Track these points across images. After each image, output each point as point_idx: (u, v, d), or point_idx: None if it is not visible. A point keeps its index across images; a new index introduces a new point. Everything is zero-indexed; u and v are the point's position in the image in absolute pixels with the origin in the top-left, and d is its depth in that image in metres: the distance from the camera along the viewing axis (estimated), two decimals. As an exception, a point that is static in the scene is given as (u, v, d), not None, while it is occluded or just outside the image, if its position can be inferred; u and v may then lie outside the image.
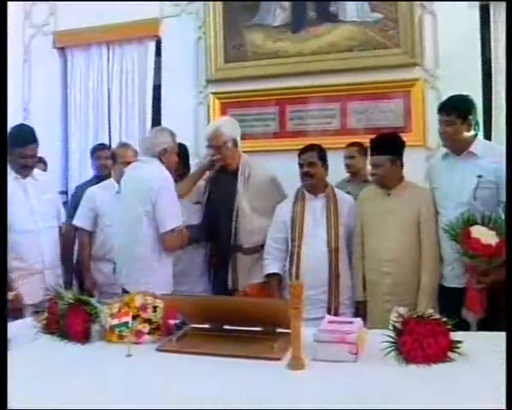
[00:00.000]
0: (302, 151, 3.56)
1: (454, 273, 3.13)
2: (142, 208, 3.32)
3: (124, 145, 4.28)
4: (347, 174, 4.30)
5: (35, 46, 5.58)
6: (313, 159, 3.50)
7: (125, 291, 3.14)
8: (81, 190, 4.30)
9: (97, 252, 3.99)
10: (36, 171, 3.59)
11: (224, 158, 3.72)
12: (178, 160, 3.62)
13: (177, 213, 3.38)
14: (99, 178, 4.31)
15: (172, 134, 3.54)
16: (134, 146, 4.13)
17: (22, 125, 3.61)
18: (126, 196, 3.49)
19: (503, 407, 1.60)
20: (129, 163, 3.81)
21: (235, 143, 3.69)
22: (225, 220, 3.64)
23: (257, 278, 3.56)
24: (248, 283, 3.57)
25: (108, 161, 4.28)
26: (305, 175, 3.50)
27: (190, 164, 4.05)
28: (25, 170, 3.46)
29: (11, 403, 1.71)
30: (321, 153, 3.54)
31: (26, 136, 3.45)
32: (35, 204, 3.42)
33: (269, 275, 3.51)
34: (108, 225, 3.87)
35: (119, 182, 3.79)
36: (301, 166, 3.52)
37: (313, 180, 3.50)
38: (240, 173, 3.65)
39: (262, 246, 3.57)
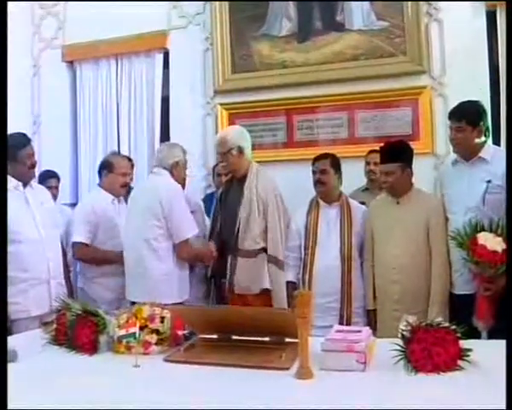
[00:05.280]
0: (316, 159, 3.60)
1: (463, 279, 3.12)
2: (153, 220, 3.43)
3: (118, 154, 4.35)
4: (363, 183, 4.31)
5: (44, 60, 5.62)
6: (326, 166, 3.53)
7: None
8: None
9: (104, 267, 3.84)
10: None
11: (229, 165, 3.75)
12: None
13: (191, 222, 3.53)
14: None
15: (184, 150, 3.71)
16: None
17: (12, 133, 3.32)
18: (137, 207, 3.58)
19: (503, 407, 1.58)
20: (125, 174, 3.95)
21: (240, 150, 3.66)
22: (230, 226, 3.66)
23: (256, 281, 3.55)
24: (246, 285, 3.57)
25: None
26: (317, 182, 3.54)
27: (195, 176, 4.17)
28: (32, 171, 3.46)
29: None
30: (334, 161, 3.57)
31: (22, 139, 3.41)
32: (36, 213, 3.38)
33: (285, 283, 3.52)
34: (111, 236, 3.85)
35: (114, 192, 3.91)
36: (314, 173, 3.55)
37: (325, 188, 3.52)
38: (246, 181, 3.64)
39: (263, 249, 3.55)
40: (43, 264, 3.36)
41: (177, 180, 3.60)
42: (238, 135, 3.75)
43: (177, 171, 3.62)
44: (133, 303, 3.27)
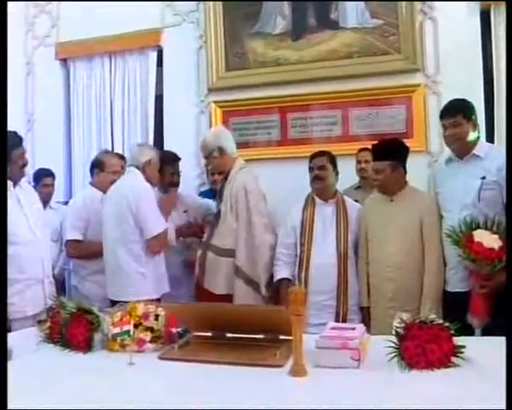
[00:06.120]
0: (313, 156, 3.62)
1: (457, 277, 3.12)
2: (122, 219, 3.50)
3: (109, 152, 4.36)
4: (356, 181, 4.30)
5: (38, 58, 5.60)
6: (324, 163, 3.55)
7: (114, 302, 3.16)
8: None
9: (94, 265, 3.83)
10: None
11: (214, 167, 3.89)
12: (166, 168, 3.89)
13: (160, 219, 3.57)
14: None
15: (155, 149, 3.83)
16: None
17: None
18: (110, 206, 3.62)
19: (497, 403, 1.58)
20: (116, 172, 3.94)
21: (221, 151, 3.68)
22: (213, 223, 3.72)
23: (214, 281, 3.56)
24: (213, 282, 3.57)
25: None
26: (315, 178, 3.55)
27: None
28: (23, 171, 3.41)
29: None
30: (331, 158, 3.60)
31: (15, 138, 3.34)
32: (28, 212, 3.36)
33: (279, 281, 3.51)
34: (101, 233, 3.77)
35: (105, 190, 3.84)
36: (312, 169, 3.57)
37: (323, 184, 3.53)
38: (227, 180, 3.67)
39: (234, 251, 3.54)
40: (38, 264, 3.35)
41: (150, 178, 3.64)
42: (217, 136, 3.78)
43: (150, 169, 3.67)
44: (112, 301, 3.34)
